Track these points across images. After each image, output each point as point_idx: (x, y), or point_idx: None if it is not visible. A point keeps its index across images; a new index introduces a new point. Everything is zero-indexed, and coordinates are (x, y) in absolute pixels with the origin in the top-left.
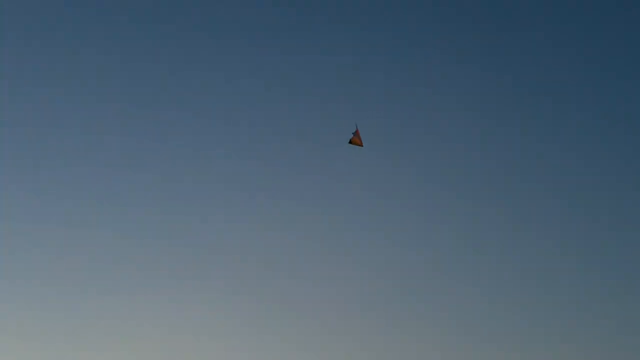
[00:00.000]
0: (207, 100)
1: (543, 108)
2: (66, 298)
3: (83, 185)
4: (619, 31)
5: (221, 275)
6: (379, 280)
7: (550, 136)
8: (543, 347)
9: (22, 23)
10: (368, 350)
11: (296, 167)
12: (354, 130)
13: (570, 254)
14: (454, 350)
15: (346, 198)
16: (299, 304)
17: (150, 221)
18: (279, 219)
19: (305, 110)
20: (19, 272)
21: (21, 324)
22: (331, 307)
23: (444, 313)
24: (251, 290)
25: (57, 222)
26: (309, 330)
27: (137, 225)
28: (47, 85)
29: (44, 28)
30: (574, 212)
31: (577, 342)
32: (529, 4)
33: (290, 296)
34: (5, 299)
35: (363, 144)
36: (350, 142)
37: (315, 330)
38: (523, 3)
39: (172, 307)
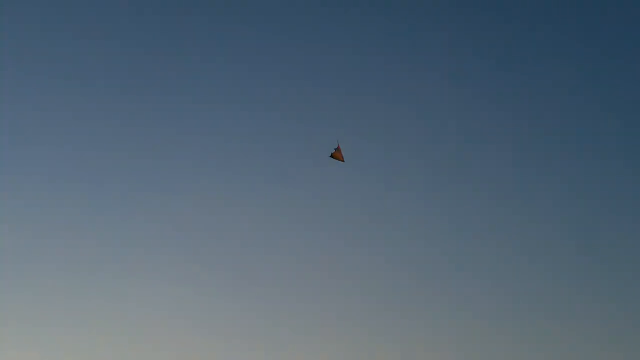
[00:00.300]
0: (209, 100)
1: (544, 107)
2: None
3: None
4: (619, 31)
5: (224, 270)
6: (383, 278)
7: (550, 135)
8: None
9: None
10: (370, 348)
11: (298, 162)
12: (335, 146)
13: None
14: (455, 349)
15: (346, 197)
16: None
17: (150, 218)
18: (281, 217)
19: (307, 106)
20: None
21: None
22: (333, 305)
23: (446, 312)
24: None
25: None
26: (310, 327)
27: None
28: (48, 84)
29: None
30: (578, 209)
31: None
32: (531, 3)
33: (292, 294)
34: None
35: (344, 160)
36: (332, 156)
37: (317, 328)
38: (526, 2)
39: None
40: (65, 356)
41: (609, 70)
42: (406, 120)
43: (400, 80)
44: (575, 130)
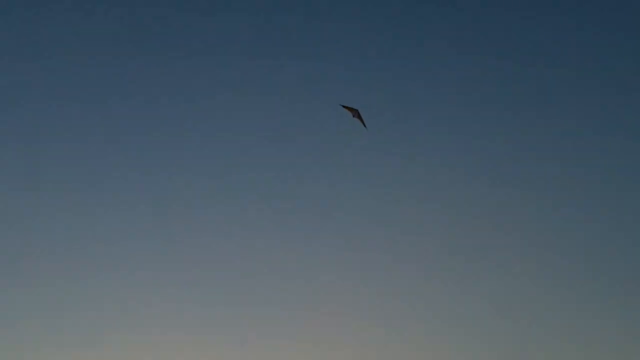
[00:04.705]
0: (211, 101)
1: (548, 106)
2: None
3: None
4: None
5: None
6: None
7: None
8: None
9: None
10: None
11: (298, 167)
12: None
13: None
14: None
15: (348, 198)
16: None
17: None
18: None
19: (307, 111)
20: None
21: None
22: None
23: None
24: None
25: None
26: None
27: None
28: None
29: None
30: (579, 213)
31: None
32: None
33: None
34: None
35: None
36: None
37: (317, 334)
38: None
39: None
40: None
41: (612, 67)
42: (410, 120)
43: (403, 79)
44: (576, 130)
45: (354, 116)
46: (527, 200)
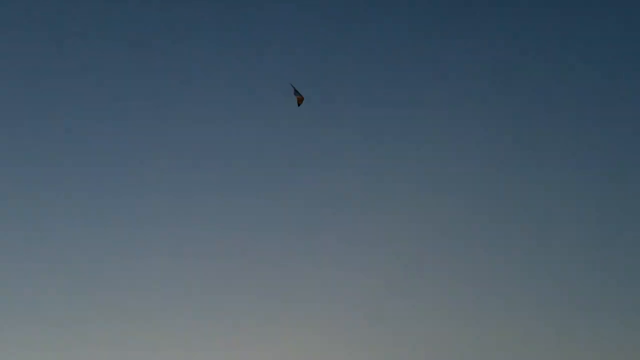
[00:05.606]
0: (211, 100)
1: (552, 108)
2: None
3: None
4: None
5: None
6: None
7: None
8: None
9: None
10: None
11: (299, 166)
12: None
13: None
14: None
15: (349, 198)
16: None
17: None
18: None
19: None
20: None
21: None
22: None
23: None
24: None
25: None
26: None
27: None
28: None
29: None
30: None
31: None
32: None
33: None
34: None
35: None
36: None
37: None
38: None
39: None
40: None
41: (615, 67)
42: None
43: (405, 80)
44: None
45: (294, 94)
46: (526, 197)
